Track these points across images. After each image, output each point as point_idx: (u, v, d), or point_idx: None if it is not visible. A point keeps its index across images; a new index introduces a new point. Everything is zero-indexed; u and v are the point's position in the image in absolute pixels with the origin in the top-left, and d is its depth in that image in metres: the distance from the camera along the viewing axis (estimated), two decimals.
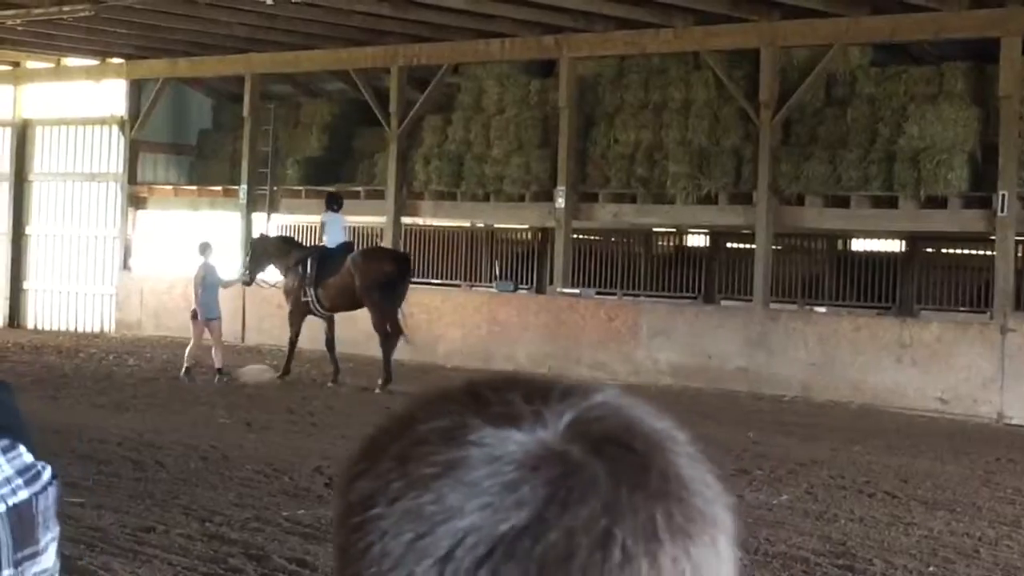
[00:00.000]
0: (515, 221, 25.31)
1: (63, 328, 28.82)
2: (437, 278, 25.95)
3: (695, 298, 24.03)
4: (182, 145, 29.32)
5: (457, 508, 0.87)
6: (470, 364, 21.82)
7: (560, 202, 22.56)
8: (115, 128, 28.69)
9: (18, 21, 22.56)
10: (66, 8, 21.56)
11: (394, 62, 24.32)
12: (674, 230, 25.66)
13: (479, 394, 0.93)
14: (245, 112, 26.79)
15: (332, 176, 26.18)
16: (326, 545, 8.79)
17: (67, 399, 17.19)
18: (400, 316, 19.48)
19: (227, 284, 20.55)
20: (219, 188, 27.46)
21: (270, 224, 26.36)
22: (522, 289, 24.73)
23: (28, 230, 30.08)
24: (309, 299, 19.92)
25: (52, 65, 29.47)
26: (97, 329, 28.38)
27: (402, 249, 24.00)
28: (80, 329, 28.54)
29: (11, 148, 30.12)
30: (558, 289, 22.75)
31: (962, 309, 21.42)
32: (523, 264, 26.20)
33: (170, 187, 28.55)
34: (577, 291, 22.87)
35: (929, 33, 19.51)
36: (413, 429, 0.92)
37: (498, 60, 23.75)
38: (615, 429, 0.92)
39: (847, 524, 10.67)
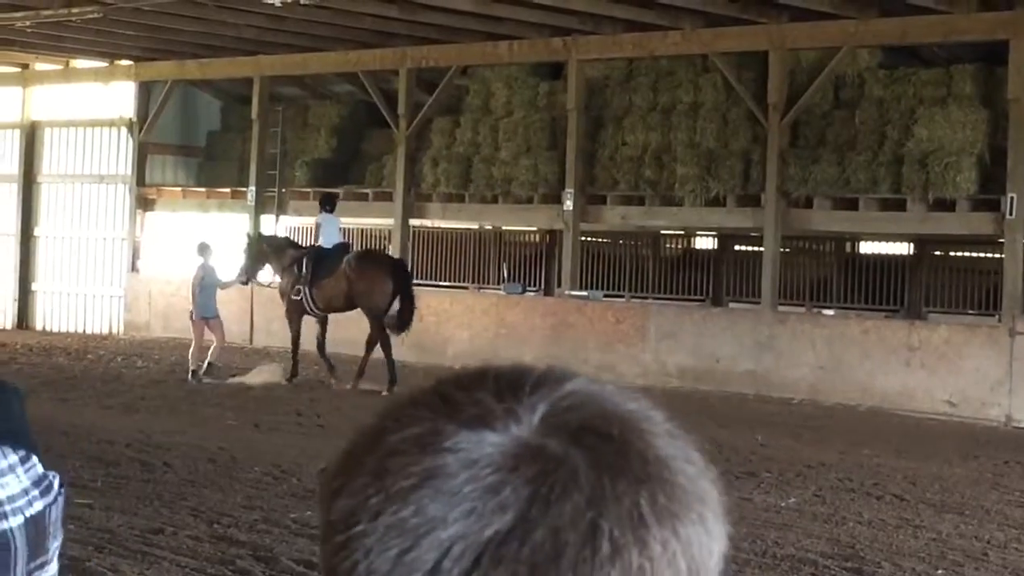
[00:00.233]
0: (523, 223, 25.30)
1: (71, 330, 28.84)
2: (445, 280, 25.95)
3: (703, 300, 24.03)
4: (190, 147, 29.34)
5: (439, 518, 0.85)
6: None
7: (568, 204, 22.54)
8: (123, 130, 28.71)
9: (27, 23, 22.58)
10: (75, 10, 21.58)
11: (402, 64, 24.33)
12: (682, 232, 25.67)
13: (448, 396, 0.92)
14: (254, 114, 26.81)
15: (340, 178, 26.17)
16: None
17: (76, 401, 17.19)
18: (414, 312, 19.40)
19: (225, 285, 20.56)
20: (227, 190, 27.48)
21: (279, 226, 26.35)
22: (530, 291, 24.71)
23: (37, 232, 30.09)
24: (303, 298, 19.91)
25: (61, 67, 29.51)
26: (105, 331, 28.39)
27: (408, 252, 24.00)
28: (88, 331, 28.55)
29: (20, 150, 30.16)
30: (566, 291, 22.74)
31: (970, 312, 21.41)
32: (531, 266, 26.18)
33: (178, 189, 28.57)
34: (585, 293, 22.86)
35: (938, 35, 19.48)
36: (385, 440, 0.91)
37: (506, 62, 23.75)
38: (590, 417, 0.90)
39: (855, 527, 10.65)
